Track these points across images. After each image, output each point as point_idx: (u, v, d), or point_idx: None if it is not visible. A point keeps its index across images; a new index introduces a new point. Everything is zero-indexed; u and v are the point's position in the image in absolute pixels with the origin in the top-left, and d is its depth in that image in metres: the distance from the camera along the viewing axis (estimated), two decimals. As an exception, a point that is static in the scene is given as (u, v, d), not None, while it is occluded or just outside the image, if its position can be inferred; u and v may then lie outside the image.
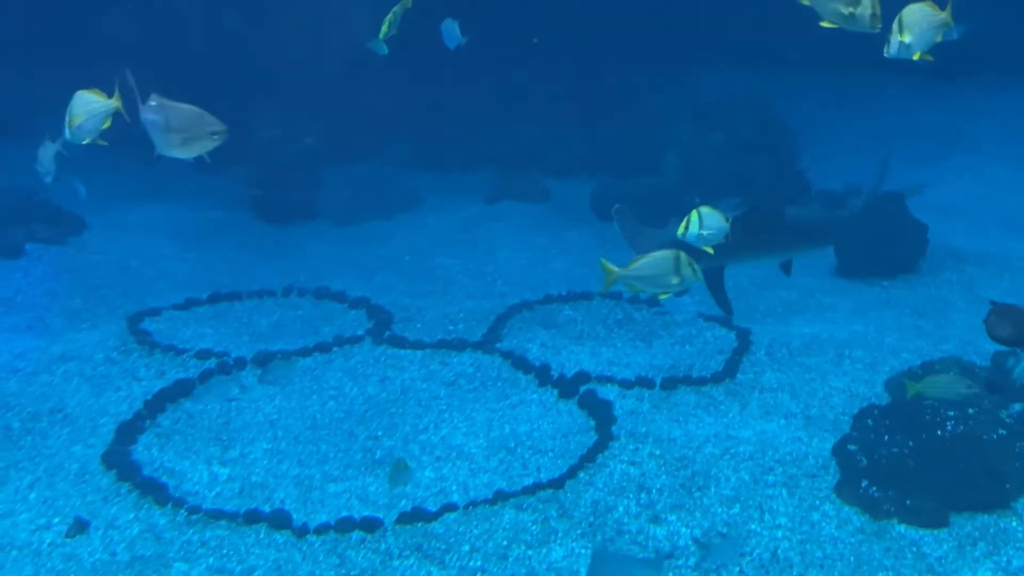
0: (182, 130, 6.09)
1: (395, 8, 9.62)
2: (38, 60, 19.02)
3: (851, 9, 6.09)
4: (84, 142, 7.18)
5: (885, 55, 6.71)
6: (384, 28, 9.61)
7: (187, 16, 16.72)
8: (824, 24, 6.32)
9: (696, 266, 7.39)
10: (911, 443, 8.53)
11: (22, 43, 19.00)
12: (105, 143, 7.28)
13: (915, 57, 6.62)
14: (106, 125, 7.12)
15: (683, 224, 7.73)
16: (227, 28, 16.69)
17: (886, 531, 8.22)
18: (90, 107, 7.08)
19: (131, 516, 8.48)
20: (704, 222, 7.74)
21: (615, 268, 7.39)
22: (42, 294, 12.64)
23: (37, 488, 8.85)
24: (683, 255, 7.34)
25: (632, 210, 9.30)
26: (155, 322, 11.84)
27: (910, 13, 6.46)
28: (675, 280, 7.31)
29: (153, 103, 6.11)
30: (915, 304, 12.37)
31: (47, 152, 10.03)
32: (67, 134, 7.18)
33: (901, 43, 6.53)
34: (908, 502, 8.35)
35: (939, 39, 6.52)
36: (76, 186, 14.08)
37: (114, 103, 7.10)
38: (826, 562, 7.91)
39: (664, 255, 7.31)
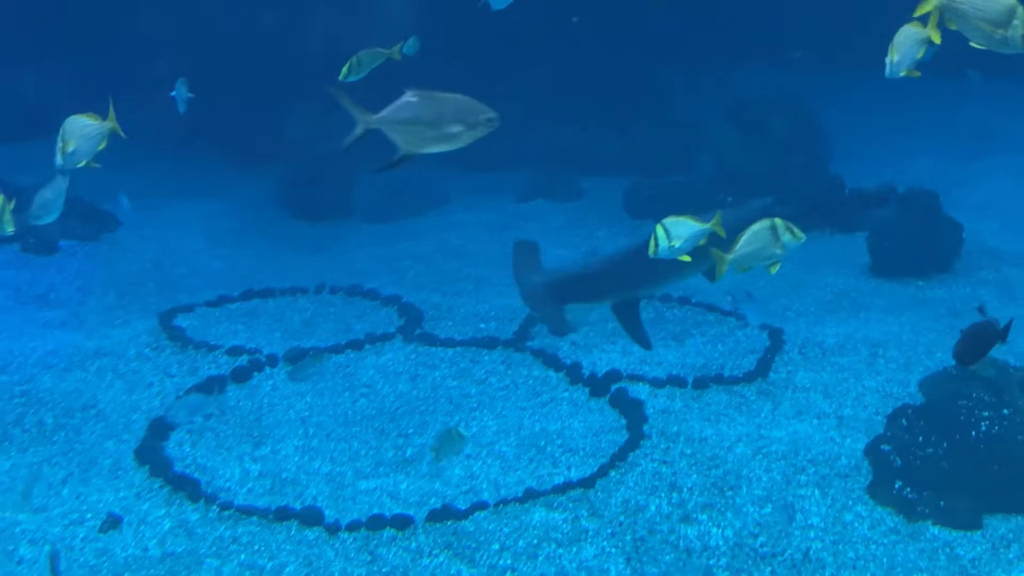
0: (457, 121, 5.93)
1: (360, 53, 9.12)
2: (71, 58, 19.16)
3: (1002, 31, 6.07)
4: (79, 165, 7.21)
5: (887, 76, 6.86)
6: (344, 70, 9.06)
7: (221, 14, 16.78)
8: (974, 45, 6.34)
9: (796, 229, 7.22)
10: (946, 444, 8.46)
11: (56, 41, 19.14)
12: (98, 165, 7.31)
13: (902, 74, 6.86)
14: (101, 147, 7.17)
15: (651, 243, 7.48)
16: (261, 25, 16.75)
17: (920, 533, 8.16)
18: (84, 131, 7.12)
19: (163, 512, 8.51)
20: (671, 233, 7.48)
21: (724, 254, 7.25)
22: (76, 290, 12.73)
23: (70, 483, 8.90)
24: (779, 222, 7.21)
25: (534, 246, 8.82)
26: (188, 318, 11.90)
27: (898, 35, 6.75)
28: (779, 249, 7.18)
29: (414, 98, 5.92)
30: (950, 304, 12.27)
31: (47, 194, 8.70)
32: (59, 160, 7.17)
33: (891, 62, 6.77)
34: (942, 503, 8.28)
35: (920, 55, 6.77)
36: (121, 199, 14.12)
37: (109, 124, 7.15)
38: (859, 563, 7.85)
39: (761, 226, 7.18)
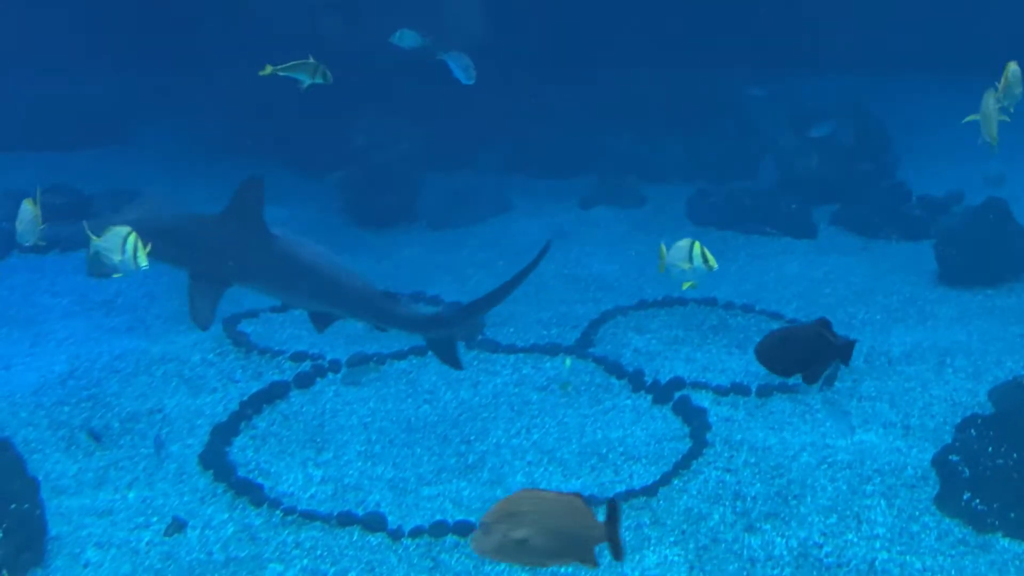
0: None
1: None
2: (138, 67, 19.38)
3: None
4: (28, 244, 8.45)
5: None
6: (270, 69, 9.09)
7: (283, 21, 16.90)
8: None
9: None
10: (1015, 455, 8.31)
11: (127, 52, 19.39)
12: (44, 243, 8.65)
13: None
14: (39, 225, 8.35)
15: (687, 260, 7.91)
16: (325, 33, 16.84)
17: (990, 544, 8.02)
18: (23, 216, 8.36)
19: (226, 516, 8.57)
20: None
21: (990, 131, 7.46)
22: (141, 296, 12.85)
23: (136, 487, 8.98)
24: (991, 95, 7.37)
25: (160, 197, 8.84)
26: (252, 324, 11.97)
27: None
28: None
29: None
30: (1021, 312, 12.07)
31: None
32: (18, 238, 8.43)
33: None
34: (1012, 515, 8.13)
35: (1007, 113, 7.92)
36: None
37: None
38: (926, 574, 7.73)
39: (986, 101, 7.31)
